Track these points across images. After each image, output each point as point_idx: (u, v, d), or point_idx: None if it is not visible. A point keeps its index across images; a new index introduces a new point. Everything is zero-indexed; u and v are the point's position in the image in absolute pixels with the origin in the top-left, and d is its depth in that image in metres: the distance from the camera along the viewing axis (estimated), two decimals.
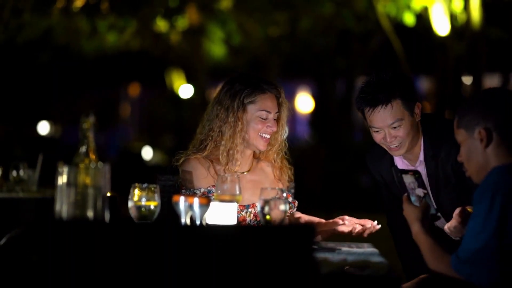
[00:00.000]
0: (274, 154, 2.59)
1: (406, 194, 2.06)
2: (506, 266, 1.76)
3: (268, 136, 2.50)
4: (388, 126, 2.44)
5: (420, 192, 2.05)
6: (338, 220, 2.42)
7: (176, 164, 2.51)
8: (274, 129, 2.50)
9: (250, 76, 2.55)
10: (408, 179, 2.07)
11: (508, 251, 1.76)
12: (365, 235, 2.41)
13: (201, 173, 2.48)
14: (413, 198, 2.04)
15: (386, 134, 2.45)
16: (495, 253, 1.76)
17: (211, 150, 2.49)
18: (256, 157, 2.60)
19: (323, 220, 2.47)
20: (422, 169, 2.50)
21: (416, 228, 1.95)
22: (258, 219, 2.48)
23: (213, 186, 2.45)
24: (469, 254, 1.78)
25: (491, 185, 1.80)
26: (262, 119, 2.48)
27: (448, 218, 2.33)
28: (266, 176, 2.57)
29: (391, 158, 2.57)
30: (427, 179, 2.49)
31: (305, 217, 2.57)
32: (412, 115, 2.47)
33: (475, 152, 1.88)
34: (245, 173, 2.53)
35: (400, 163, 2.56)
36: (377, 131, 2.47)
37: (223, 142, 2.47)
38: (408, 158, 2.54)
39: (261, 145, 2.50)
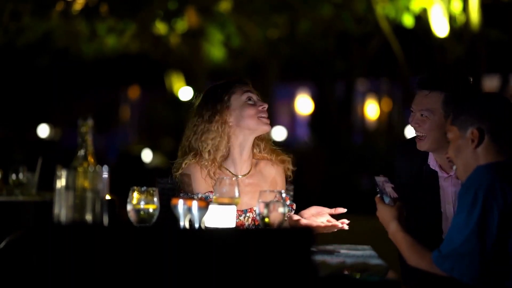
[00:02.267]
0: (269, 147, 2.57)
1: (378, 196, 2.10)
2: (486, 262, 1.82)
3: (266, 115, 2.50)
4: (418, 110, 2.44)
5: (390, 190, 2.10)
6: (338, 223, 2.39)
7: (176, 173, 2.49)
8: (266, 105, 2.50)
9: (217, 83, 2.57)
10: (380, 179, 2.12)
11: (488, 247, 1.82)
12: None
13: (199, 178, 2.47)
14: (387, 200, 2.09)
15: (414, 118, 2.45)
16: (476, 248, 1.82)
17: (207, 156, 2.48)
18: (255, 157, 2.58)
19: (321, 224, 2.45)
20: (454, 177, 2.45)
21: (393, 227, 2.02)
22: (256, 224, 2.46)
23: (211, 192, 2.44)
24: (451, 249, 1.84)
25: (474, 183, 1.86)
26: (250, 102, 2.48)
27: None
28: (265, 179, 2.55)
29: (425, 156, 2.54)
30: (457, 189, 2.45)
31: (303, 221, 2.54)
32: (446, 117, 2.45)
33: (465, 151, 1.94)
34: (243, 176, 2.52)
35: (433, 163, 2.51)
36: (411, 112, 2.47)
37: (211, 142, 2.47)
38: (443, 163, 2.49)
39: (266, 127, 2.48)
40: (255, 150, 2.57)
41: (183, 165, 2.48)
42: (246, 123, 2.47)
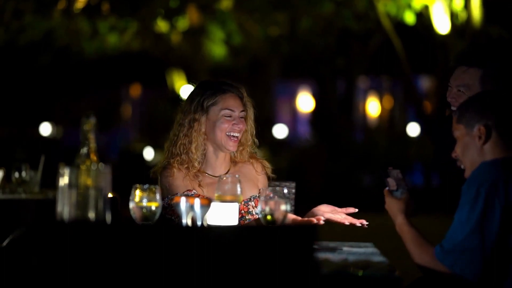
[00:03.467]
0: (248, 154, 2.58)
1: (387, 189, 2.10)
2: (488, 258, 1.82)
3: (237, 135, 2.49)
4: (456, 86, 2.41)
5: (400, 183, 2.11)
6: (313, 219, 2.37)
7: (154, 176, 2.51)
8: (241, 126, 2.49)
9: (210, 81, 2.58)
10: (394, 173, 2.12)
11: (489, 243, 1.81)
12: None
13: (177, 178, 2.48)
14: (398, 193, 2.10)
15: (451, 93, 2.42)
16: (478, 244, 1.82)
17: (182, 156, 2.49)
18: (233, 160, 2.59)
19: (298, 218, 2.44)
20: None
21: (400, 220, 2.02)
22: (240, 216, 2.47)
23: (189, 190, 2.45)
24: (453, 244, 1.84)
25: (477, 178, 1.87)
26: (227, 117, 2.48)
27: None
28: (244, 176, 2.55)
29: None
30: None
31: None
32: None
33: (472, 148, 1.94)
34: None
35: None
36: (448, 87, 2.44)
37: (181, 145, 2.49)
38: None
39: (230, 146, 2.49)
40: (232, 155, 2.58)
41: (160, 166, 2.51)
42: (215, 136, 2.49)
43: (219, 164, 2.54)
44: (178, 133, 2.52)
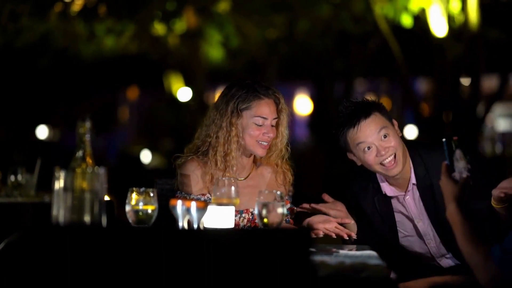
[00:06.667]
0: (276, 160, 2.55)
1: (446, 162, 1.85)
2: None
3: (266, 143, 2.46)
4: (376, 138, 2.41)
5: (463, 164, 1.83)
6: (344, 234, 2.40)
7: (177, 163, 2.48)
8: (271, 135, 2.46)
9: (248, 82, 2.50)
10: (455, 146, 1.83)
11: None
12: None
13: (196, 178, 2.45)
14: (456, 170, 1.83)
15: (378, 148, 2.41)
16: None
17: (208, 156, 2.46)
18: (257, 162, 2.56)
19: (331, 234, 2.43)
20: (414, 192, 2.44)
21: (451, 208, 1.82)
22: (252, 225, 2.46)
23: (203, 194, 2.43)
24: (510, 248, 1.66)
25: None
26: (258, 125, 2.44)
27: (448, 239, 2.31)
28: (264, 181, 2.54)
29: (375, 188, 2.52)
30: (421, 202, 2.43)
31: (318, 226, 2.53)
32: (393, 126, 2.45)
33: None
34: (244, 179, 2.50)
35: (389, 190, 2.49)
36: (368, 149, 2.43)
37: (219, 148, 2.43)
38: (398, 184, 2.47)
39: (260, 152, 2.46)
40: (259, 158, 2.55)
41: (184, 159, 2.47)
42: (245, 141, 2.45)
43: (241, 167, 2.50)
44: (217, 136, 2.45)
